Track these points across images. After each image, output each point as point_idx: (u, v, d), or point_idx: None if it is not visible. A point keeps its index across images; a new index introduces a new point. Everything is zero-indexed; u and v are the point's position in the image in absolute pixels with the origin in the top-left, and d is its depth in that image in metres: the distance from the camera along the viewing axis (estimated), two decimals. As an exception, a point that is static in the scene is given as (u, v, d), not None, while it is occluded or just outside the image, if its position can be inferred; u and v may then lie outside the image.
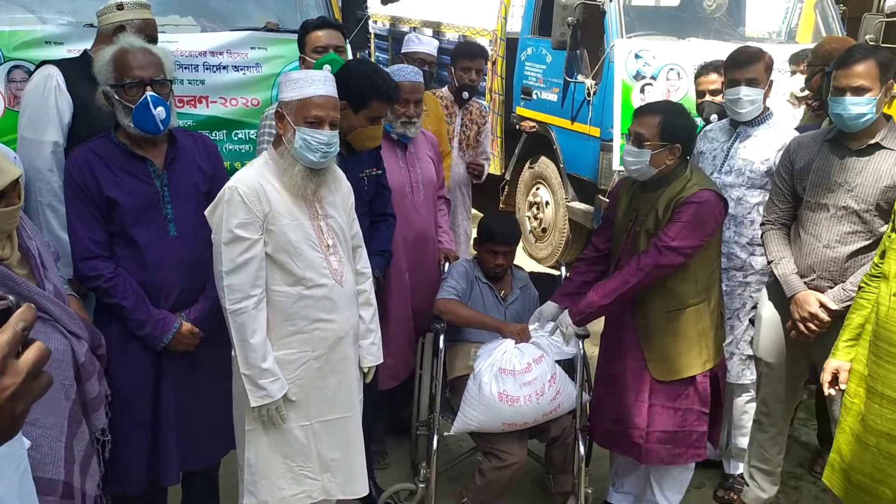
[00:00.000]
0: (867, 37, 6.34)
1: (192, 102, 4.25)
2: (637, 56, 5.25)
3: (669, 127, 2.80)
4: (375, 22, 8.89)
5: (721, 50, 5.35)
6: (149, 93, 2.40)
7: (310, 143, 2.34)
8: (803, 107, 4.40)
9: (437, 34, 7.36)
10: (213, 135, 4.29)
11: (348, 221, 2.58)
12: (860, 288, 2.61)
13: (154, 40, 3.24)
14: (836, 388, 2.62)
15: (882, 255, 2.52)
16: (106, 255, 2.47)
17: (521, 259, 6.57)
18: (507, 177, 6.70)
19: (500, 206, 6.81)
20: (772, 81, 3.27)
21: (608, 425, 3.01)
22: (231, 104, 4.33)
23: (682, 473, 3.08)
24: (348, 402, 2.59)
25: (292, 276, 2.39)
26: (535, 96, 6.20)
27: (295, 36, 4.42)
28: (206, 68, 4.25)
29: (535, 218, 6.47)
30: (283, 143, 2.40)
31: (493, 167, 6.63)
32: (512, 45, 6.44)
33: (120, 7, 3.19)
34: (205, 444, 2.71)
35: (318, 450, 2.54)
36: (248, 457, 2.50)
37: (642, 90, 5.25)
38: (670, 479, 3.08)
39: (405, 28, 8.06)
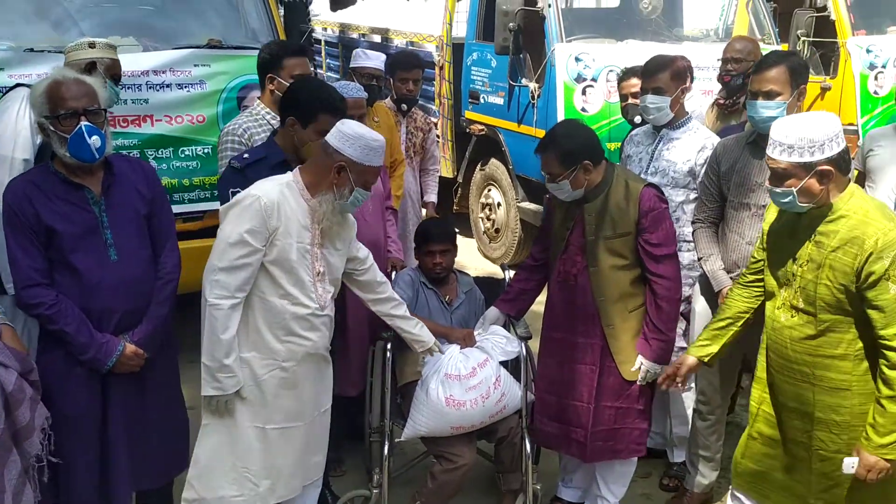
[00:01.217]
0: (799, 31, 6.55)
1: (137, 122, 4.28)
2: (577, 59, 5.38)
3: (567, 154, 2.86)
4: (325, 29, 8.93)
5: (658, 50, 5.54)
6: (83, 122, 2.45)
7: (359, 200, 2.61)
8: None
9: (386, 40, 7.44)
10: (160, 152, 4.34)
11: (344, 254, 2.74)
12: (742, 284, 2.74)
13: (118, 78, 3.50)
14: (675, 384, 2.80)
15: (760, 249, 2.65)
16: (47, 282, 2.51)
17: (477, 259, 6.68)
18: (460, 179, 6.79)
19: (454, 208, 6.91)
20: (685, 87, 3.41)
21: (550, 426, 3.11)
22: (176, 122, 4.37)
23: (624, 467, 3.20)
24: (304, 412, 2.70)
25: (282, 289, 2.53)
26: (482, 100, 6.30)
27: (239, 52, 4.48)
28: (150, 87, 4.29)
29: (488, 219, 6.58)
30: (333, 191, 2.56)
31: (446, 170, 6.72)
32: (458, 50, 6.53)
33: (92, 45, 3.40)
34: (157, 464, 2.76)
35: (267, 454, 2.63)
36: (198, 452, 2.63)
37: (584, 92, 5.38)
38: (614, 474, 3.20)
39: (354, 35, 8.12)
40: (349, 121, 2.66)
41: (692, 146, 3.36)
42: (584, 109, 5.36)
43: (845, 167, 2.34)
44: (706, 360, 2.76)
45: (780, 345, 2.51)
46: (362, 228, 3.39)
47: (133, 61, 4.19)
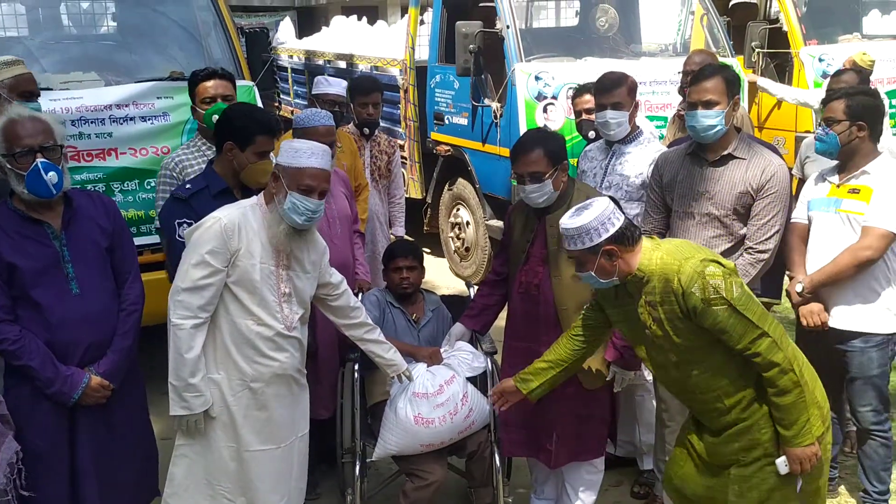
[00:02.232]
0: (753, 43, 6.76)
1: (101, 155, 4.31)
2: (537, 77, 5.49)
3: (553, 152, 2.97)
4: (291, 57, 9.01)
5: (616, 67, 5.67)
6: (39, 160, 2.48)
7: (298, 207, 2.56)
8: None
9: (350, 66, 7.52)
10: (125, 185, 4.37)
11: (314, 278, 2.78)
12: (571, 335, 2.80)
13: (33, 95, 3.29)
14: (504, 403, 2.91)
15: (594, 307, 2.74)
16: (10, 318, 2.53)
17: (449, 279, 6.74)
18: (429, 200, 6.86)
19: (425, 228, 6.97)
20: (637, 102, 3.52)
21: (517, 434, 3.16)
22: (141, 154, 4.40)
23: (592, 475, 3.25)
24: (278, 435, 2.74)
25: (246, 310, 2.59)
26: (447, 121, 6.40)
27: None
28: (113, 121, 4.32)
29: (458, 238, 6.65)
30: (274, 201, 2.59)
31: (415, 191, 6.80)
32: (421, 73, 6.63)
33: None
34: (127, 494, 2.79)
35: (242, 474, 2.67)
36: (173, 471, 2.67)
37: (545, 109, 5.49)
38: (584, 482, 3.25)
39: (320, 61, 8.20)
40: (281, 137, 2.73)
41: (644, 160, 3.45)
42: (545, 127, 5.46)
43: (631, 237, 2.44)
44: (527, 395, 2.84)
45: (673, 384, 2.62)
46: (331, 251, 3.46)
47: (96, 96, 4.25)
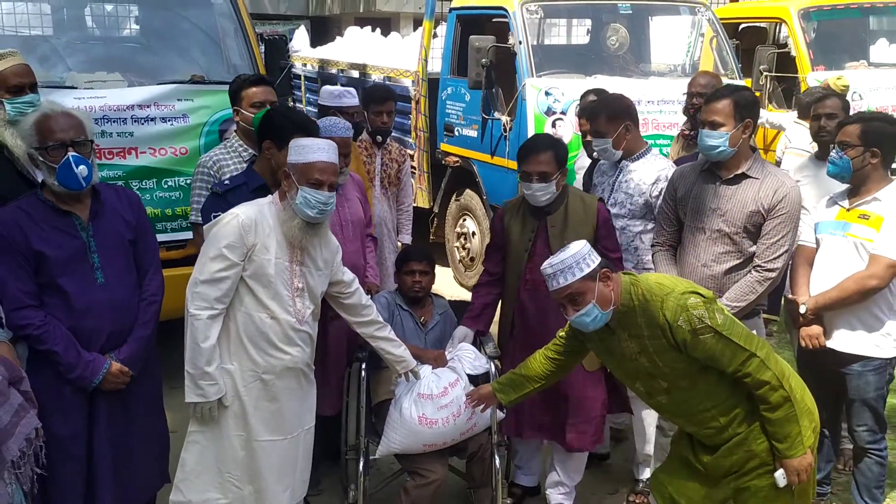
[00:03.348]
0: (761, 66, 6.88)
1: (122, 154, 4.43)
2: (547, 93, 5.61)
3: (562, 157, 3.28)
4: (305, 65, 9.15)
5: (624, 85, 5.81)
6: (71, 153, 2.59)
7: (309, 200, 2.69)
8: None
9: (364, 76, 7.65)
10: (144, 183, 4.48)
11: (326, 276, 2.90)
12: (547, 356, 2.91)
13: (25, 88, 3.09)
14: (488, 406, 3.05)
15: (571, 336, 2.82)
16: (36, 304, 2.63)
17: (453, 288, 6.83)
18: (436, 209, 6.97)
19: (431, 237, 7.07)
20: (628, 124, 3.58)
21: (539, 417, 3.36)
22: (160, 154, 4.52)
23: (581, 454, 3.49)
24: (286, 426, 2.85)
25: (260, 303, 2.71)
26: (457, 133, 6.51)
27: (221, 87, 4.65)
28: (135, 121, 4.43)
29: (464, 248, 6.75)
30: (287, 197, 2.72)
31: (422, 201, 6.90)
32: (434, 84, 6.75)
33: None
34: (140, 479, 2.87)
35: (251, 462, 2.78)
36: (184, 456, 2.79)
37: (554, 125, 5.60)
38: (573, 461, 3.47)
39: (333, 70, 8.33)
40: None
41: (648, 178, 3.57)
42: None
43: (611, 268, 2.55)
44: (506, 404, 2.98)
45: (666, 410, 2.71)
46: (343, 253, 3.56)
47: (119, 96, 4.36)
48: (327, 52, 9.12)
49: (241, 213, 2.69)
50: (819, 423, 2.63)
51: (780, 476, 2.49)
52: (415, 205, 6.75)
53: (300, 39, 9.96)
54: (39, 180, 2.68)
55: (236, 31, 4.84)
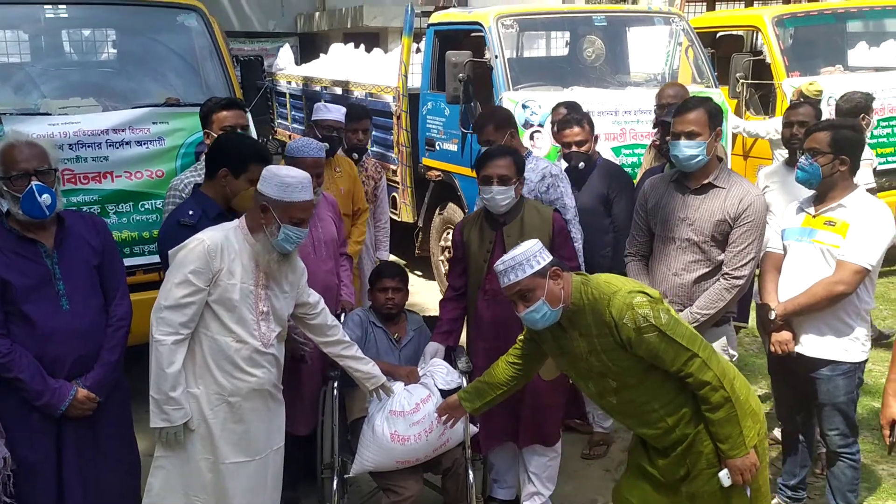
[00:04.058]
0: (737, 74, 6.93)
1: (97, 178, 4.44)
2: (524, 106, 5.65)
3: (520, 164, 3.36)
4: (290, 83, 9.21)
5: (601, 96, 5.86)
6: (34, 182, 2.63)
7: (290, 237, 2.73)
8: None
9: (346, 92, 7.70)
10: (120, 207, 4.49)
11: (292, 298, 2.90)
12: (508, 362, 2.93)
13: None
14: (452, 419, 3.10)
15: (529, 339, 2.85)
16: (3, 332, 2.65)
17: (438, 300, 6.83)
18: (421, 223, 7.00)
19: (416, 252, 7.10)
20: (512, 132, 3.85)
21: (492, 427, 3.43)
22: (136, 177, 4.53)
23: (552, 461, 3.57)
24: (254, 448, 2.85)
25: (225, 327, 2.71)
26: (437, 147, 6.55)
27: (196, 109, 4.68)
28: (110, 145, 4.45)
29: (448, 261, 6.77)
30: (264, 231, 2.71)
31: (406, 215, 6.93)
32: (414, 100, 6.79)
33: None
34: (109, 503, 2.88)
35: (218, 485, 2.78)
36: (151, 481, 2.78)
37: (531, 137, 5.64)
38: (544, 468, 3.54)
39: (317, 87, 8.38)
40: (272, 165, 2.86)
41: (534, 177, 3.71)
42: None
43: (561, 266, 2.59)
44: (471, 412, 3.03)
45: (616, 410, 2.72)
46: (316, 272, 3.59)
47: (93, 121, 4.38)
48: (311, 69, 9.18)
49: (207, 238, 2.70)
50: (765, 424, 2.66)
51: (724, 476, 2.53)
52: (399, 219, 6.83)
53: (285, 57, 10.02)
54: (4, 209, 2.70)
55: (211, 53, 4.87)
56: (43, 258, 2.72)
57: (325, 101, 5.08)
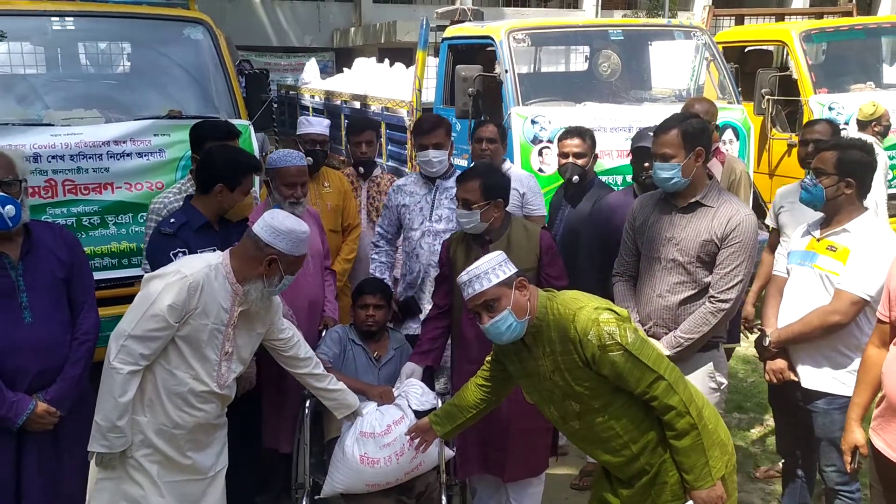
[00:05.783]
0: (763, 90, 6.74)
1: (98, 189, 4.48)
2: (533, 122, 5.56)
3: (488, 187, 3.17)
4: (312, 97, 9.29)
5: (615, 111, 5.73)
6: None
7: (286, 285, 2.75)
8: None
9: (364, 106, 7.71)
10: (120, 218, 4.52)
11: (260, 336, 2.87)
12: (477, 384, 2.82)
13: None
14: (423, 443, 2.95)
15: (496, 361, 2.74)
16: (-38, 344, 2.65)
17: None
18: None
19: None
20: (451, 143, 3.87)
21: (471, 451, 3.28)
22: (136, 188, 4.56)
23: (535, 487, 3.41)
24: (196, 468, 2.78)
25: (185, 362, 2.65)
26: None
27: (197, 122, 4.69)
28: (111, 157, 4.49)
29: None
30: (263, 280, 2.69)
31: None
32: (428, 114, 6.75)
33: None
34: (71, 518, 2.85)
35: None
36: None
37: (540, 153, 5.54)
38: (527, 496, 3.37)
39: (338, 101, 8.42)
40: (277, 213, 2.78)
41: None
42: (540, 170, 5.51)
43: (526, 279, 2.50)
44: (442, 436, 2.90)
45: (579, 436, 2.59)
46: (302, 286, 3.55)
47: (94, 132, 4.43)
48: (334, 83, 9.25)
49: (190, 274, 2.61)
50: (734, 456, 2.53)
51: None
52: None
53: (310, 72, 10.11)
54: (-31, 220, 2.71)
55: (216, 66, 4.89)
56: (7, 269, 2.71)
57: (310, 116, 5.03)
